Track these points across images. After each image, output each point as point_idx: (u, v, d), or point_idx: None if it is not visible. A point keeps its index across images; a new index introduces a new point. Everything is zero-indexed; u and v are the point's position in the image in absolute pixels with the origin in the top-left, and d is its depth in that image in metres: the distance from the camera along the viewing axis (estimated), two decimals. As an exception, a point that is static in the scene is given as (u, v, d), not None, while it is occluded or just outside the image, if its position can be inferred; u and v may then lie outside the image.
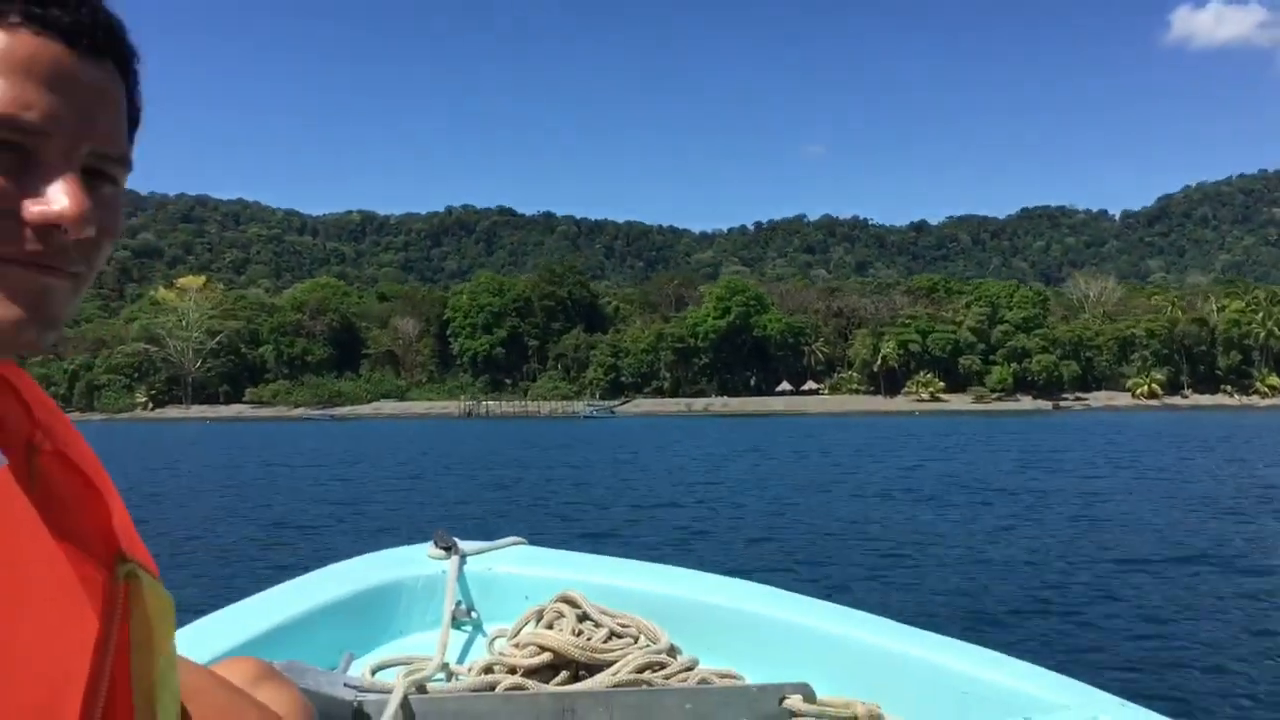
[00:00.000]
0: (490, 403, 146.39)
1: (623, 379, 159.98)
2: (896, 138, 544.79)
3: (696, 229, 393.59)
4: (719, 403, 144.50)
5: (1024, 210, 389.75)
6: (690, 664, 2.06)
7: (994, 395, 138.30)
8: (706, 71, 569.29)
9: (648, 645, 2.10)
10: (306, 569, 2.55)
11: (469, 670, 2.06)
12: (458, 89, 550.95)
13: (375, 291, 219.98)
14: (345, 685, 1.88)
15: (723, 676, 2.04)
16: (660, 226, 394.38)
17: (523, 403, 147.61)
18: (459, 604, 2.37)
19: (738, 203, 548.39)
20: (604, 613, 2.20)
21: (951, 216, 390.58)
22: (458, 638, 2.32)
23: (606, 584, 2.38)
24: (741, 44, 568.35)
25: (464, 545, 2.60)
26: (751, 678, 2.06)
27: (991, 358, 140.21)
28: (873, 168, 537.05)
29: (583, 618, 2.18)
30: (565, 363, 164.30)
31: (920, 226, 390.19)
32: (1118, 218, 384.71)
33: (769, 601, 2.31)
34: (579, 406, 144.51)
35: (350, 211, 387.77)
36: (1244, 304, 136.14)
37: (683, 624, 2.23)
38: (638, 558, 2.72)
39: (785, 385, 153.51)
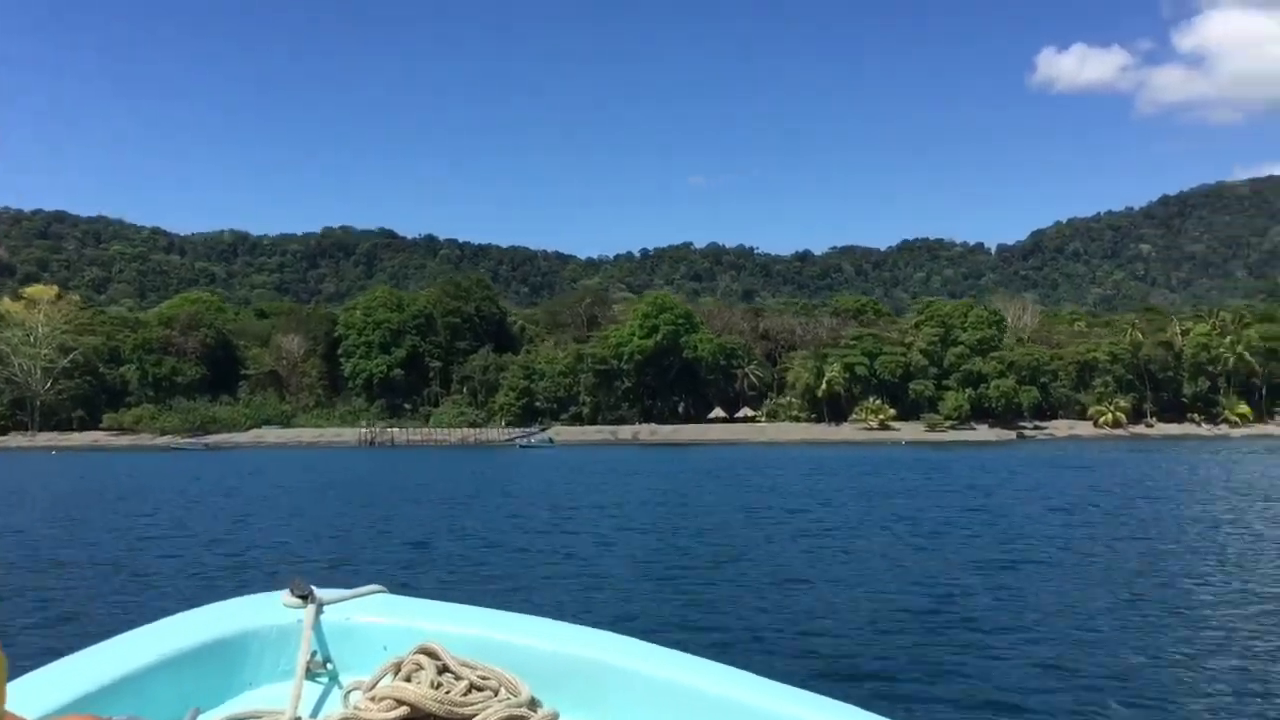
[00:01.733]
0: (395, 430, 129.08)
1: (537, 404, 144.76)
2: (778, 169, 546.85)
3: (583, 255, 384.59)
4: (647, 430, 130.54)
5: (904, 242, 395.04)
6: (551, 717, 2.01)
7: (948, 423, 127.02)
8: (589, 95, 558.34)
9: (509, 699, 2.03)
10: (151, 618, 2.37)
11: None
12: (335, 105, 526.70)
13: (254, 307, 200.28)
14: None
15: None
16: (546, 252, 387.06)
17: (430, 430, 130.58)
18: (314, 655, 2.28)
19: (624, 229, 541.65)
20: (465, 665, 2.11)
21: (835, 247, 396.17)
22: (312, 690, 2.21)
23: (469, 635, 2.29)
24: (623, 71, 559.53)
25: (321, 593, 2.45)
26: None
27: (945, 383, 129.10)
28: (756, 198, 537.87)
29: (442, 670, 2.09)
30: (472, 386, 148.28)
31: (805, 256, 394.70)
32: (994, 251, 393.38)
33: (635, 655, 2.23)
34: (494, 434, 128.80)
35: (221, 231, 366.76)
36: (1209, 326, 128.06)
37: (546, 677, 2.16)
38: (506, 608, 2.54)
39: (718, 412, 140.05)
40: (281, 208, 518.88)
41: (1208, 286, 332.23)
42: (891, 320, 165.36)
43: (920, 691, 9.19)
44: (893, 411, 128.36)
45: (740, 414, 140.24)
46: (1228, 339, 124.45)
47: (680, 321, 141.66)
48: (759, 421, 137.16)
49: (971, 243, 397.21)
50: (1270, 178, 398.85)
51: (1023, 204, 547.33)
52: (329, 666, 2.30)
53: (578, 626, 2.39)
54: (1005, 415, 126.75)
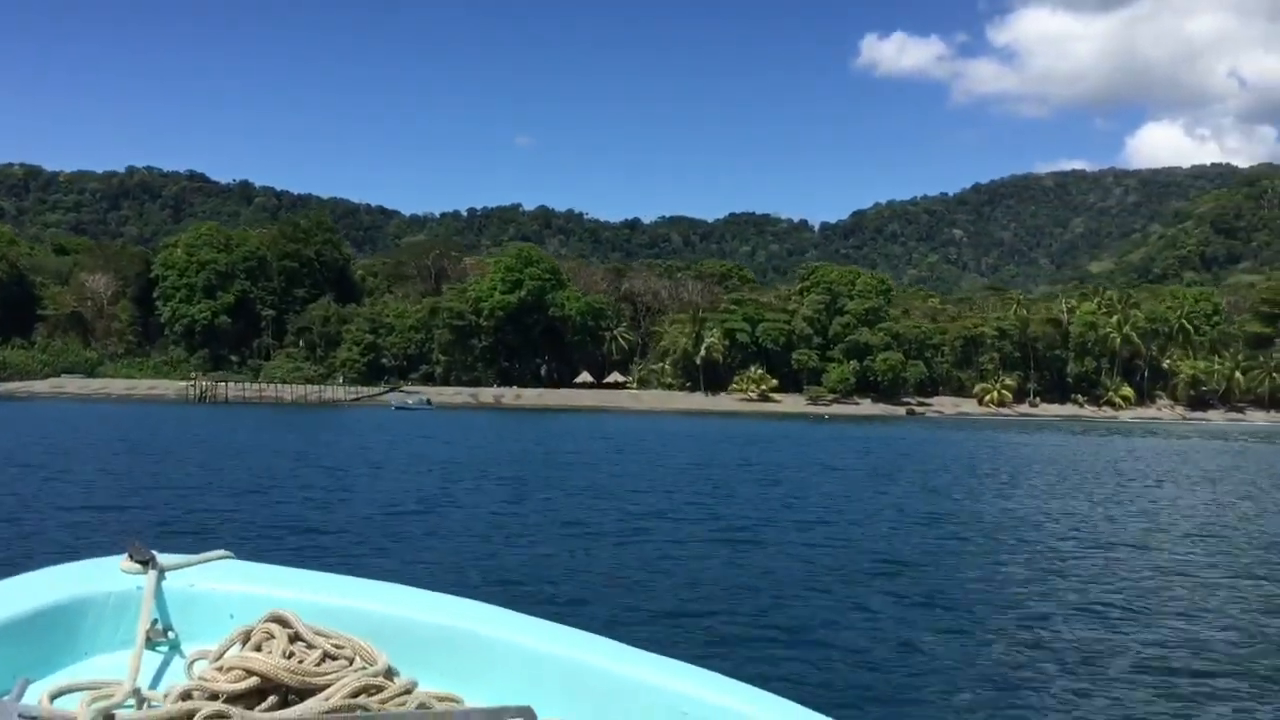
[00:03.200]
0: (227, 384, 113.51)
1: (384, 361, 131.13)
2: (607, 135, 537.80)
3: (407, 211, 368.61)
4: (511, 394, 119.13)
5: (732, 215, 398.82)
6: (408, 687, 1.97)
7: (831, 396, 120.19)
8: (416, 44, 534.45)
9: (364, 668, 1.98)
10: None
11: (165, 696, 1.87)
12: (145, 36, 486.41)
13: (52, 241, 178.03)
14: (20, 715, 1.72)
15: (442, 700, 1.96)
16: (369, 205, 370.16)
17: (263, 386, 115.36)
18: (155, 623, 2.17)
19: (450, 187, 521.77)
20: (318, 633, 2.05)
21: (664, 216, 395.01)
22: (152, 660, 2.10)
23: (321, 602, 2.23)
24: (452, 21, 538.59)
25: (163, 559, 2.34)
26: (473, 700, 1.99)
27: (829, 353, 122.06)
28: (585, 163, 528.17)
29: (294, 638, 2.02)
30: (310, 338, 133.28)
31: (634, 224, 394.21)
32: (817, 229, 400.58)
33: (492, 621, 2.22)
34: (339, 393, 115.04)
35: (11, 164, 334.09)
36: (1095, 305, 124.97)
37: (402, 645, 2.13)
38: (358, 574, 2.46)
39: (585, 376, 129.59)
40: (80, 143, 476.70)
41: (1014, 273, 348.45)
42: (755, 287, 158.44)
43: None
44: (774, 382, 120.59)
45: (610, 380, 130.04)
46: (1114, 318, 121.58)
47: (547, 277, 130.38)
48: (630, 388, 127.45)
49: (796, 219, 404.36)
50: (1073, 171, 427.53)
51: (845, 184, 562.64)
52: (171, 635, 2.19)
53: (435, 593, 2.33)
54: (890, 390, 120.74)
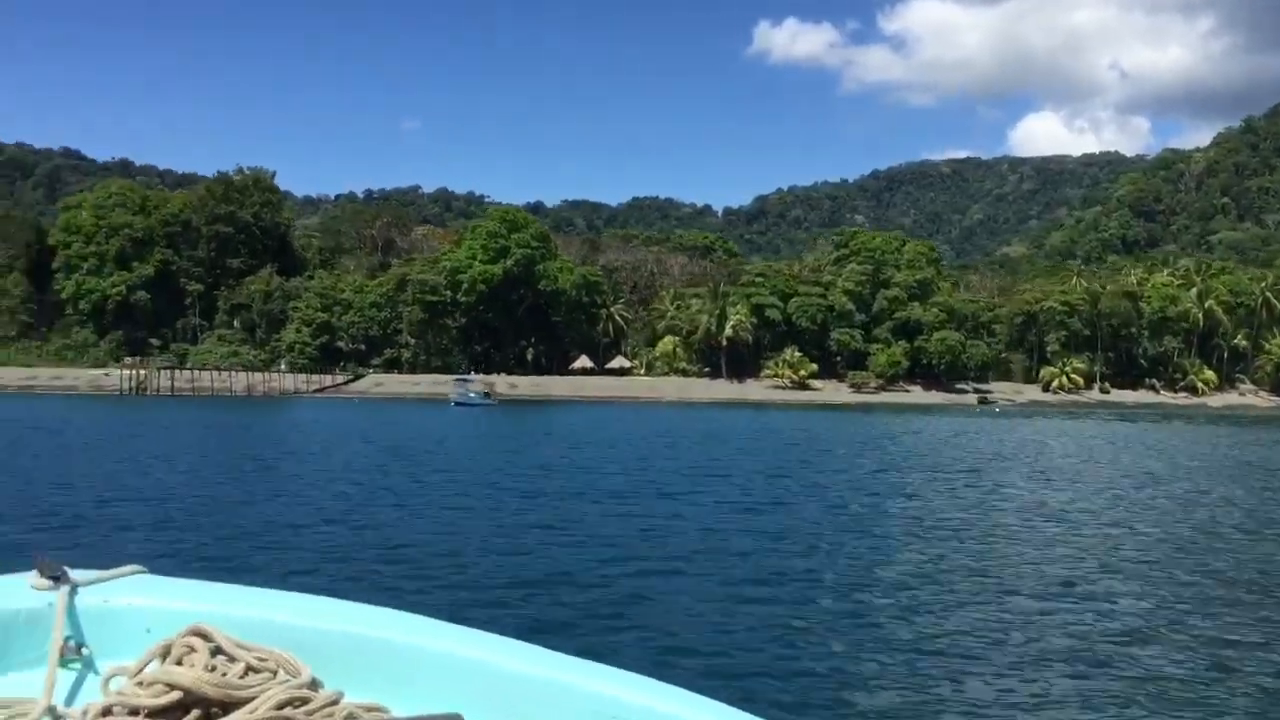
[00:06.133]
0: (167, 371, 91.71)
1: (339, 344, 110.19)
2: (500, 122, 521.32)
3: (300, 193, 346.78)
4: (503, 383, 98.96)
5: (635, 199, 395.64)
6: (335, 698, 1.93)
7: (877, 382, 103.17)
8: (295, 17, 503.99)
9: (288, 680, 1.94)
10: None
11: (83, 714, 1.84)
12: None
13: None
14: None
15: (369, 710, 1.93)
16: None
17: (196, 374, 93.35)
18: (68, 640, 2.10)
19: (339, 171, 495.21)
20: (240, 646, 2.01)
21: (566, 200, 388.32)
22: (66, 678, 2.04)
23: (240, 615, 2.18)
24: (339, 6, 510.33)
25: (74, 574, 2.26)
26: (399, 710, 1.96)
27: (874, 332, 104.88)
28: (479, 149, 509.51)
29: (216, 652, 1.98)
30: (248, 318, 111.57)
31: (537, 207, 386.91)
32: (720, 214, 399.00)
33: (417, 630, 2.19)
34: (288, 382, 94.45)
35: None
36: (1170, 277, 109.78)
37: (326, 656, 2.09)
38: (275, 586, 2.43)
39: (585, 361, 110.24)
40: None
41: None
42: (741, 263, 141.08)
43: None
44: (814, 367, 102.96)
45: (614, 365, 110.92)
46: (1193, 291, 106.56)
47: (536, 245, 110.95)
48: (636, 374, 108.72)
49: (700, 204, 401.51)
50: (968, 159, 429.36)
51: (746, 170, 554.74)
52: (85, 652, 2.12)
53: (356, 604, 2.31)
54: (946, 375, 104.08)
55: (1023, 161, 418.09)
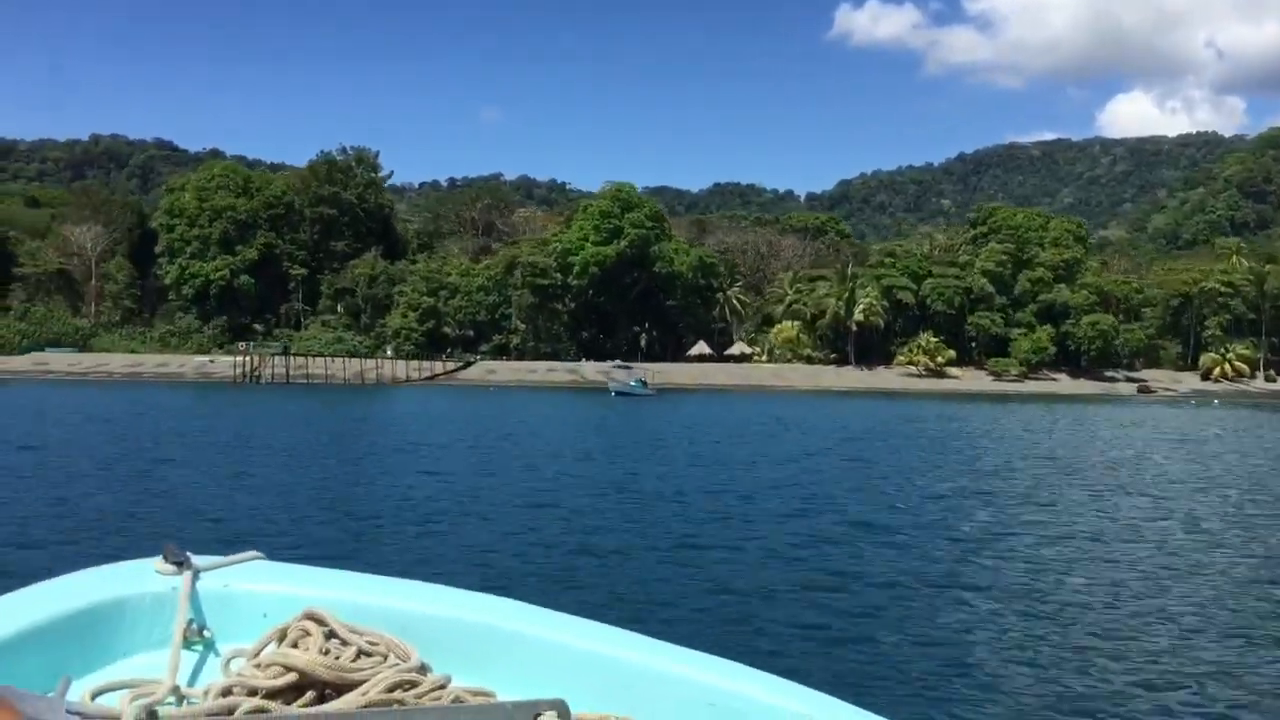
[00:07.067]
0: (280, 359, 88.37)
1: (446, 329, 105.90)
2: (582, 109, 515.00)
3: (385, 182, 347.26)
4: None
5: (716, 185, 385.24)
6: (442, 682, 1.99)
7: (1018, 370, 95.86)
8: (381, 17, 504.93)
9: (398, 664, 2.01)
10: (10, 586, 2.25)
11: (205, 694, 1.91)
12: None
13: (23, 194, 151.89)
14: (67, 711, 1.72)
15: (476, 695, 1.98)
16: None
17: (308, 361, 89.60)
18: (190, 623, 2.22)
19: (422, 160, 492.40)
20: (353, 630, 2.09)
21: (648, 187, 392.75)
22: (189, 659, 2.15)
23: (353, 601, 2.28)
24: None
25: (197, 560, 2.39)
26: (505, 695, 2.00)
27: (1016, 315, 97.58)
28: (560, 136, 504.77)
29: (330, 636, 2.06)
30: (352, 303, 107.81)
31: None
32: (803, 199, 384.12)
33: (522, 617, 2.27)
34: (402, 369, 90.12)
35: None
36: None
37: (434, 641, 2.16)
38: (385, 573, 2.52)
39: (702, 348, 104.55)
40: (41, 111, 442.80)
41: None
42: (853, 245, 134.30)
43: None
44: (951, 353, 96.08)
45: (734, 351, 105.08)
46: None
47: (650, 225, 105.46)
48: (757, 360, 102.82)
49: (781, 190, 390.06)
50: (1058, 140, 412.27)
51: (828, 155, 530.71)
52: (206, 635, 2.23)
53: (465, 591, 2.38)
54: (1097, 363, 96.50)
55: (1115, 143, 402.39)
